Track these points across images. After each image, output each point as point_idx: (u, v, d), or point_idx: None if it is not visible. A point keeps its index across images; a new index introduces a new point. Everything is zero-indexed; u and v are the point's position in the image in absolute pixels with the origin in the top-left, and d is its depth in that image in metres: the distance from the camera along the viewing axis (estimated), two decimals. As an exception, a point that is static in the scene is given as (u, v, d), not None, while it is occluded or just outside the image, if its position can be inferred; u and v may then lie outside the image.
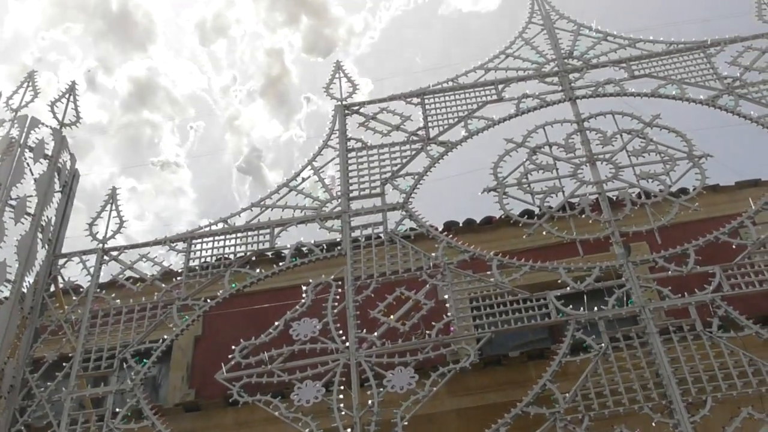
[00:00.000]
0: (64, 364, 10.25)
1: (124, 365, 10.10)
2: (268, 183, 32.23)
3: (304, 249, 11.03)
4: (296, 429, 8.99)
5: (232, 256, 11.10)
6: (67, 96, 12.78)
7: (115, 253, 11.38)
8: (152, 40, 35.43)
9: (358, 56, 34.27)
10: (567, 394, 8.78)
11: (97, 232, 11.59)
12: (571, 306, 9.67)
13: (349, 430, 8.87)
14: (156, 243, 11.41)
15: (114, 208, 11.81)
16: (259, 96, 34.38)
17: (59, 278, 11.31)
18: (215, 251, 11.19)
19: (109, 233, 11.56)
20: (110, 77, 34.11)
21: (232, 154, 31.59)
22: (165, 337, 10.36)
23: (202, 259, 11.13)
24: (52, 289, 11.29)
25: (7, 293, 10.53)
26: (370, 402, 9.02)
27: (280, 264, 10.97)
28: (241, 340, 9.90)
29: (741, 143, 14.38)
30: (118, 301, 10.83)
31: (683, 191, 10.88)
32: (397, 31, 36.21)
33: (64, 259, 11.48)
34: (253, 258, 11.19)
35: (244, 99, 34.74)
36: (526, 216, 10.89)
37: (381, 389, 9.13)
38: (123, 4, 33.01)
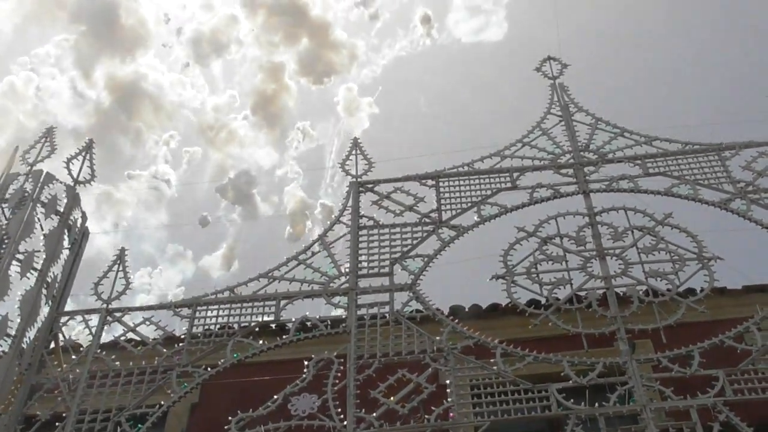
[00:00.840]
0: (57, 423, 10.16)
1: (119, 429, 10.01)
2: (258, 212, 31.97)
3: (308, 323, 11.00)
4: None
5: (236, 325, 11.07)
6: (83, 153, 12.83)
7: (118, 314, 11.35)
8: (145, 48, 35.38)
9: (359, 84, 34.43)
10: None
11: (102, 292, 11.56)
12: (572, 400, 9.60)
13: None
14: (161, 307, 11.39)
15: (121, 268, 11.81)
16: (251, 115, 34.26)
17: (60, 336, 11.25)
18: (219, 319, 11.16)
19: (115, 293, 11.54)
20: (92, 88, 33.99)
21: (218, 179, 31.43)
22: (162, 402, 10.31)
23: (206, 326, 11.09)
24: (52, 345, 11.23)
25: (6, 348, 10.48)
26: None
27: (284, 337, 10.93)
28: (239, 412, 9.83)
29: (751, 248, 14.35)
30: (118, 363, 10.77)
31: (691, 292, 10.84)
32: (399, 70, 36.45)
33: (67, 317, 11.45)
34: (257, 329, 11.16)
35: (238, 119, 34.65)
36: (533, 306, 10.88)
37: (373, 469, 9.06)
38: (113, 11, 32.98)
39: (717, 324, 10.61)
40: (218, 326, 11.12)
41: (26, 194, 12.05)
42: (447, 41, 36.59)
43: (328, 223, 12.36)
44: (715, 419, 9.21)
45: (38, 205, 11.97)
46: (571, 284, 10.89)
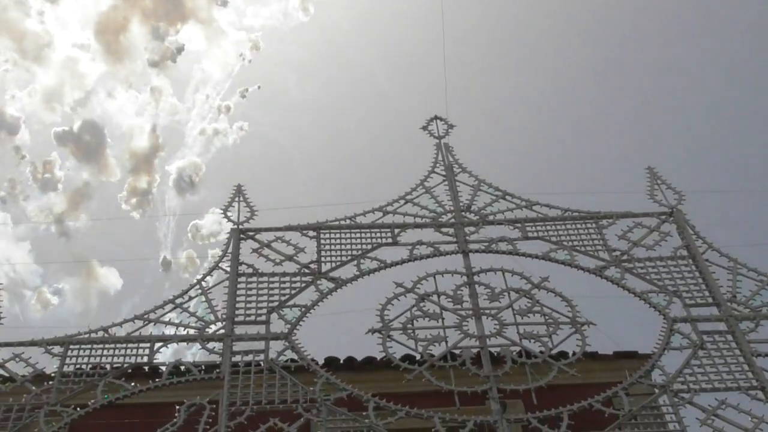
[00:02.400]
0: None
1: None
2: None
3: (182, 368, 10.89)
4: None
5: (108, 366, 10.88)
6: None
7: (-15, 347, 11.07)
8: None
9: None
10: None
11: (-26, 321, 11.28)
12: (442, 456, 9.66)
13: None
14: (32, 344, 11.12)
15: (-2, 298, 11.54)
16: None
17: None
18: (92, 359, 10.96)
19: (-12, 329, 11.27)
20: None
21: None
22: (33, 441, 10.05)
23: (77, 366, 10.88)
24: None
25: None
26: None
27: (156, 380, 10.80)
28: (107, 457, 9.66)
29: (623, 315, 14.68)
30: (-11, 396, 10.50)
31: (563, 355, 11.07)
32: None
33: None
34: (130, 370, 11.01)
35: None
36: (407, 361, 10.93)
37: None
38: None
39: (587, 387, 10.83)
40: (90, 366, 10.92)
41: None
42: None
43: (207, 268, 12.28)
44: (581, 481, 9.39)
45: None
46: (446, 342, 11.01)
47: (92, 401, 10.45)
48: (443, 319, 11.29)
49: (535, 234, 12.76)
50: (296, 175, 36.03)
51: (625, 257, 12.31)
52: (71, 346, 11.08)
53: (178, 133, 36.90)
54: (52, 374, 10.80)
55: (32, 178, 32.62)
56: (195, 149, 35.46)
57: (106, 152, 33.41)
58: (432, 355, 10.81)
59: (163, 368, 10.94)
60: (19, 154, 32.68)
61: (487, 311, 11.35)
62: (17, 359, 10.94)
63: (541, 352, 10.84)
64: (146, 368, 11.56)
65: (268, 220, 12.91)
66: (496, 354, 10.96)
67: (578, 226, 12.86)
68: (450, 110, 14.77)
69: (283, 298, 11.69)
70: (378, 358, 13.62)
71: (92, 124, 33.34)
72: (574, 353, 10.92)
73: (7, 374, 10.88)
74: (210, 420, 10.02)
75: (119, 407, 11.26)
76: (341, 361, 14.26)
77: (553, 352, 10.94)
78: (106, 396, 10.52)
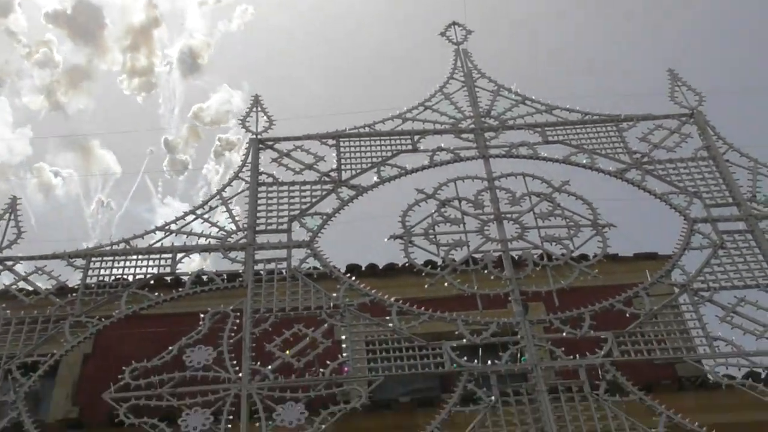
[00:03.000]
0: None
1: (9, 377, 9.84)
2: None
3: (204, 277, 10.94)
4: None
5: (130, 278, 10.94)
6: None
7: (9, 263, 11.14)
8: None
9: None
10: (455, 445, 8.81)
11: (-5, 243, 11.35)
12: (465, 358, 9.71)
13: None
14: (54, 257, 11.17)
15: (13, 217, 11.58)
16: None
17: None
18: (114, 271, 11.02)
19: (6, 243, 11.31)
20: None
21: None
22: (54, 351, 10.13)
23: (100, 278, 10.94)
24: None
25: None
26: (258, 435, 8.95)
27: (179, 289, 10.87)
28: (133, 362, 9.73)
29: (644, 217, 14.67)
30: (8, 311, 10.58)
31: (584, 257, 11.05)
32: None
33: (-48, 264, 11.21)
34: (152, 282, 11.07)
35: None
36: (429, 266, 10.95)
37: (270, 422, 9.05)
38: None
39: (608, 289, 10.80)
40: (113, 278, 10.98)
41: None
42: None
43: (228, 178, 12.28)
44: (603, 378, 9.43)
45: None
46: (468, 246, 11.01)
47: (116, 311, 10.53)
48: (464, 224, 11.28)
49: (556, 138, 12.67)
50: (308, 78, 35.72)
51: (645, 159, 12.23)
52: (93, 259, 11.13)
53: (178, 9, 36.40)
54: (76, 287, 10.88)
55: (27, 60, 32.27)
56: (197, 32, 34.94)
57: (104, 34, 32.89)
58: (453, 260, 10.83)
59: (185, 278, 11.00)
60: (14, 38, 32.26)
61: (508, 215, 11.32)
62: (40, 272, 11.01)
63: (562, 254, 10.85)
64: (168, 280, 11.63)
65: (286, 130, 12.87)
66: (517, 258, 10.94)
67: (598, 129, 12.77)
68: (468, 16, 14.60)
69: (304, 207, 11.67)
70: (400, 264, 13.67)
71: (87, 4, 32.81)
72: (595, 255, 10.90)
73: (30, 287, 10.97)
74: (234, 328, 10.08)
75: (143, 318, 11.35)
76: (363, 268, 14.30)
77: (575, 254, 10.92)
78: (130, 306, 10.59)
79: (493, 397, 9.26)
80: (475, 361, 9.74)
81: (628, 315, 10.13)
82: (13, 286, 10.89)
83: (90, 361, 13.83)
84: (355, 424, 10.86)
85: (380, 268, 14.59)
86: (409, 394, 12.46)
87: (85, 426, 11.75)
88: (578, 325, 9.98)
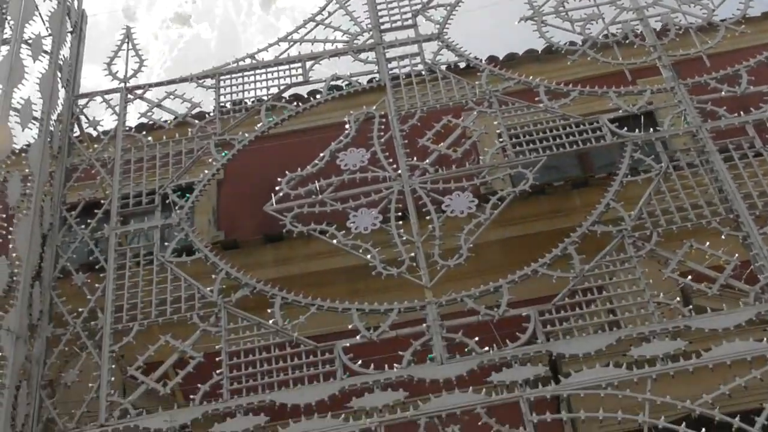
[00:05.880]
0: (95, 211, 9.85)
1: (167, 201, 9.74)
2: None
3: (340, 82, 10.67)
4: (357, 256, 8.77)
5: (264, 91, 10.69)
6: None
7: (139, 92, 10.96)
8: None
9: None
10: (632, 213, 8.61)
11: (117, 71, 11.14)
12: (625, 129, 9.46)
13: (411, 255, 8.66)
14: (182, 80, 10.95)
15: (131, 47, 11.35)
16: None
17: (83, 118, 10.87)
18: (246, 86, 10.77)
19: (130, 72, 11.12)
20: None
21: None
22: (206, 171, 9.99)
23: (233, 96, 10.72)
24: (76, 133, 10.85)
25: (35, 132, 10.06)
26: (430, 227, 8.81)
27: (317, 96, 10.67)
28: (287, 172, 9.52)
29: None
30: (150, 138, 10.44)
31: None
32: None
33: (86, 99, 11.04)
34: (286, 96, 10.86)
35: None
36: (568, 44, 10.61)
37: (440, 215, 8.91)
38: None
39: (761, 47, 10.42)
40: (245, 95, 10.75)
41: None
42: None
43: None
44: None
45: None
46: (603, 19, 10.60)
47: (258, 126, 10.33)
48: (597, -4, 10.83)
49: None
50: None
51: None
52: (222, 77, 10.89)
53: None
54: (210, 109, 10.70)
55: None
56: None
57: None
58: (591, 35, 10.46)
59: (320, 86, 10.77)
60: None
61: (637, -13, 10.82)
62: (171, 97, 10.84)
63: (703, 14, 10.42)
64: (304, 94, 11.37)
65: None
66: (656, 29, 10.51)
67: None
68: None
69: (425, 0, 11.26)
70: (539, 50, 13.33)
71: None
72: (739, 10, 10.45)
73: (165, 113, 10.80)
74: (382, 128, 9.85)
75: (277, 137, 11.25)
76: (500, 58, 13.60)
77: (715, 13, 10.44)
78: (271, 118, 10.38)
79: (663, 164, 9.02)
80: (637, 130, 9.45)
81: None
82: (150, 113, 10.70)
83: (224, 186, 13.64)
84: (509, 214, 10.26)
85: (519, 55, 14.00)
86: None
87: (240, 246, 11.65)
88: (736, 83, 9.62)
